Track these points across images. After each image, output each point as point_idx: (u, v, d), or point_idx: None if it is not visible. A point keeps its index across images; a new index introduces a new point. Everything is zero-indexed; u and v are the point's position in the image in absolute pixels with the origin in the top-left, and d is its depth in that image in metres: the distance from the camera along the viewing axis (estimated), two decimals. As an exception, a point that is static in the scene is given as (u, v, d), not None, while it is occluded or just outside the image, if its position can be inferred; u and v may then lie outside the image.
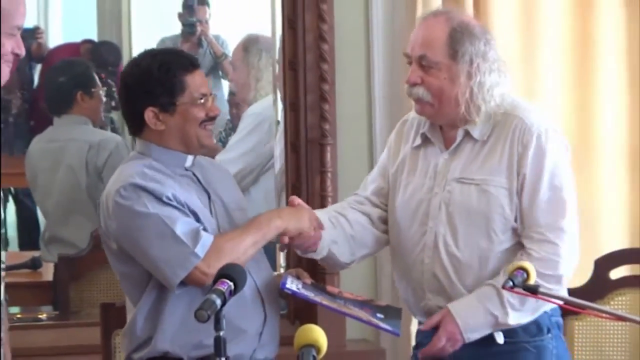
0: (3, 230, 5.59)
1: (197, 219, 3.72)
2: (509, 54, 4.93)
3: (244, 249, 3.67)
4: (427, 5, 4.87)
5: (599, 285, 4.21)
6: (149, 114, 3.79)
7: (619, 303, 4.19)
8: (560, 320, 3.90)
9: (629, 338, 4.18)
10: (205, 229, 3.70)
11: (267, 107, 5.37)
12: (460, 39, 3.80)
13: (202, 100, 3.78)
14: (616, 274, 4.25)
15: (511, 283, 3.50)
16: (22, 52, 3.49)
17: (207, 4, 5.53)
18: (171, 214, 3.67)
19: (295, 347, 3.33)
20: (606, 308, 3.96)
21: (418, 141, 3.94)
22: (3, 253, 3.75)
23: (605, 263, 4.26)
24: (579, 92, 5.10)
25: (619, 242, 4.99)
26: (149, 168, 3.76)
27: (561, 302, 3.65)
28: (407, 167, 3.96)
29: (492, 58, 3.83)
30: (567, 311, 4.03)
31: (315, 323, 3.54)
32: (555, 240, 3.73)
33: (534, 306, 3.72)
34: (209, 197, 3.83)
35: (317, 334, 3.34)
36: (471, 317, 3.75)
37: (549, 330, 3.87)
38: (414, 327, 4.14)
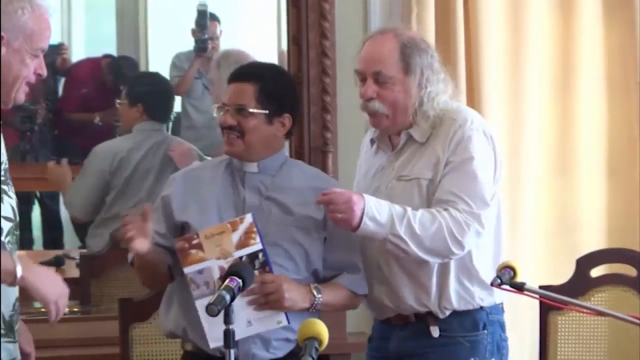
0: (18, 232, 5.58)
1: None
2: (497, 71, 4.95)
3: None
4: (420, 22, 4.87)
5: (580, 283, 4.20)
6: None
7: (599, 299, 4.17)
8: (502, 318, 3.90)
9: (608, 332, 4.17)
10: None
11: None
12: (410, 54, 3.82)
13: (221, 112, 3.81)
14: (596, 272, 4.25)
15: (499, 280, 3.50)
16: (44, 72, 3.50)
17: (218, 21, 5.51)
18: None
19: (299, 340, 3.33)
20: (587, 304, 3.95)
21: (368, 147, 4.00)
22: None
23: (586, 262, 4.26)
24: (561, 106, 5.09)
25: (598, 243, 4.97)
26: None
27: (545, 299, 3.65)
28: (362, 171, 4.01)
29: (437, 69, 3.87)
30: (551, 307, 4.05)
31: (317, 317, 3.52)
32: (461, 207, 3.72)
33: (427, 243, 3.68)
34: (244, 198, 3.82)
35: (320, 328, 3.34)
36: (377, 205, 3.69)
37: (484, 327, 3.87)
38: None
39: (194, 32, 5.45)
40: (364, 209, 3.65)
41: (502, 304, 3.90)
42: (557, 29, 5.08)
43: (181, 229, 3.81)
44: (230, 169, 3.87)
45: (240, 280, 3.30)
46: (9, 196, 3.54)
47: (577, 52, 5.08)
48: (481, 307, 3.84)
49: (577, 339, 4.18)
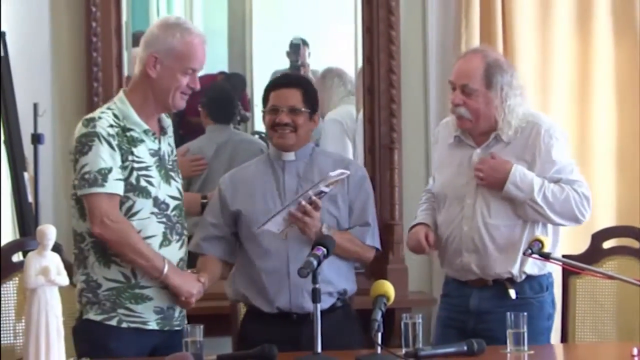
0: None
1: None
2: (529, 81, 4.92)
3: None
4: (469, 42, 4.85)
5: (594, 253, 4.16)
6: (263, 120, 3.90)
7: (609, 266, 4.12)
8: (553, 280, 3.92)
9: (617, 292, 4.12)
10: None
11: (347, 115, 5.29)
12: (493, 72, 3.80)
13: (272, 114, 3.82)
14: (608, 244, 4.21)
15: (530, 251, 3.51)
16: (197, 87, 3.57)
17: (307, 45, 5.51)
18: None
19: (371, 296, 3.36)
20: (600, 270, 3.96)
21: (451, 140, 3.95)
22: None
23: (599, 236, 4.22)
24: (578, 110, 5.05)
25: (609, 220, 4.93)
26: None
27: (566, 266, 3.66)
28: (444, 160, 3.95)
29: (516, 85, 3.85)
30: (571, 272, 4.02)
31: (385, 279, 3.54)
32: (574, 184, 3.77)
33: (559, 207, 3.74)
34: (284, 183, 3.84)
35: (387, 287, 3.37)
36: (522, 175, 3.74)
37: (547, 288, 3.87)
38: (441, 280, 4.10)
39: (288, 54, 5.46)
40: (509, 174, 3.71)
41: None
42: (577, 49, 5.05)
43: (234, 218, 3.85)
44: (269, 162, 3.89)
45: (325, 249, 3.33)
46: (176, 180, 3.62)
47: (593, 67, 5.04)
48: (544, 273, 3.85)
49: (592, 297, 4.13)
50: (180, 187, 3.65)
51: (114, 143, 3.45)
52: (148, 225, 3.49)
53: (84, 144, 3.45)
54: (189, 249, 3.74)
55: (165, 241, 3.54)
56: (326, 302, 3.76)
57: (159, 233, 3.53)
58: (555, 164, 3.79)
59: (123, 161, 3.47)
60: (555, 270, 4.02)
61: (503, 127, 3.81)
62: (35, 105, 4.51)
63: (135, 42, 5.01)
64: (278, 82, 3.90)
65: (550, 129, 3.82)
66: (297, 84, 3.86)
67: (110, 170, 3.43)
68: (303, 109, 3.81)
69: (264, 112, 3.87)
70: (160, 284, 3.52)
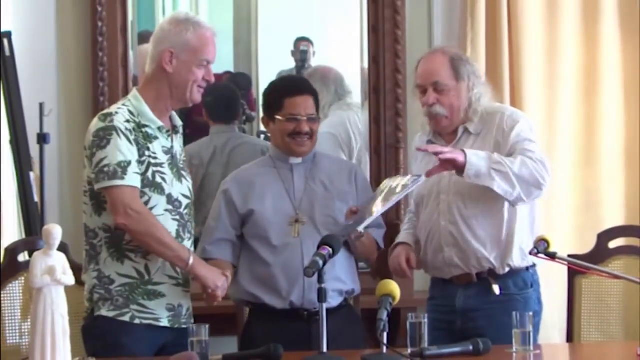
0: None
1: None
2: (535, 80, 4.94)
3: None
4: (475, 41, 4.86)
5: (600, 253, 4.16)
6: (263, 121, 3.94)
7: (615, 266, 4.13)
8: (538, 277, 3.91)
9: (623, 292, 4.13)
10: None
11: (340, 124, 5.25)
12: (458, 65, 3.87)
13: (293, 120, 3.84)
14: (614, 244, 4.22)
15: (536, 250, 3.52)
16: (212, 79, 3.62)
17: (312, 44, 5.51)
18: None
19: (377, 296, 3.37)
20: (606, 269, 3.96)
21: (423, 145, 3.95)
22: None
23: (605, 236, 4.22)
24: (586, 107, 5.04)
25: (616, 218, 4.93)
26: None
27: (572, 265, 3.66)
28: (421, 169, 3.93)
29: (479, 75, 3.94)
30: (577, 272, 4.03)
31: (391, 279, 3.56)
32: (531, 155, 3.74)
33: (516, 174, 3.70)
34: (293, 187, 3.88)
35: (393, 287, 3.38)
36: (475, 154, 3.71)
37: (532, 285, 3.88)
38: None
39: (293, 53, 5.46)
40: (464, 152, 3.68)
41: (535, 265, 3.91)
42: (583, 48, 5.04)
43: (243, 219, 3.87)
44: (272, 163, 3.92)
45: (330, 249, 3.34)
46: (187, 180, 3.66)
47: (600, 66, 5.02)
48: (527, 268, 3.86)
49: (598, 297, 4.14)
50: (190, 187, 3.68)
51: (132, 137, 3.49)
52: (163, 222, 3.52)
53: (102, 138, 3.47)
54: (197, 254, 3.73)
55: (178, 239, 3.56)
56: (335, 301, 3.82)
57: (173, 230, 3.56)
58: (515, 137, 3.80)
59: (140, 156, 3.50)
60: (560, 270, 4.03)
61: (471, 116, 3.86)
62: (41, 105, 4.51)
63: (141, 41, 5.04)
64: (294, 89, 3.92)
65: (513, 113, 3.88)
66: (310, 91, 3.91)
67: (129, 163, 3.46)
68: (318, 116, 3.89)
69: (274, 117, 3.88)
70: (185, 275, 3.55)
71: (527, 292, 3.86)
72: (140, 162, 3.49)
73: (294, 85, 3.99)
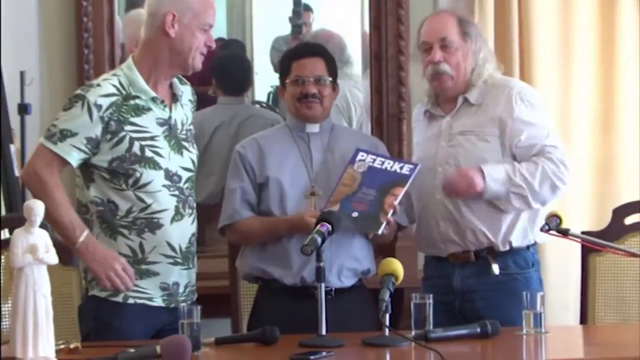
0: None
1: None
2: (547, 76, 4.93)
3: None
4: (482, 7, 4.85)
5: (616, 229, 4.12)
6: (279, 92, 3.95)
7: (632, 243, 4.09)
8: (538, 257, 3.93)
9: (639, 270, 4.10)
10: None
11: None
12: (466, 25, 3.88)
13: (299, 82, 3.82)
14: (630, 220, 4.17)
15: (547, 227, 3.48)
16: (213, 45, 3.63)
17: (311, 10, 5.47)
18: None
19: (379, 275, 3.34)
20: (622, 247, 3.91)
21: (421, 118, 3.99)
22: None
23: (621, 211, 4.18)
24: (602, 75, 5.05)
25: (631, 195, 4.86)
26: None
27: (586, 242, 3.63)
28: (419, 140, 3.99)
29: (485, 39, 3.97)
30: (591, 249, 4.00)
31: (394, 257, 3.51)
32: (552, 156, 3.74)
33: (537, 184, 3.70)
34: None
35: (396, 265, 3.36)
36: (493, 169, 3.70)
37: (533, 265, 3.86)
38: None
39: (290, 19, 5.42)
40: (482, 174, 3.67)
41: (536, 244, 3.89)
42: (599, 9, 5.02)
43: (259, 186, 3.82)
44: (289, 133, 3.88)
45: (329, 226, 3.32)
46: (189, 150, 3.63)
47: (615, 61, 5.03)
48: (527, 247, 3.83)
49: (613, 276, 4.11)
50: (194, 158, 3.66)
51: (100, 114, 3.47)
52: (160, 198, 3.51)
53: (70, 102, 3.52)
54: (223, 223, 3.79)
55: (177, 215, 3.55)
56: (350, 280, 3.79)
57: (172, 207, 3.54)
58: (527, 127, 3.78)
59: (112, 133, 3.48)
60: (574, 247, 4.00)
61: (474, 81, 3.84)
62: (22, 74, 4.50)
63: (129, 6, 4.98)
64: (301, 51, 3.92)
65: (522, 90, 3.86)
66: (320, 53, 3.89)
67: (73, 135, 3.46)
68: (328, 79, 3.84)
69: (285, 83, 3.87)
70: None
71: (529, 272, 3.85)
72: (106, 140, 3.47)
73: (302, 47, 4.03)
